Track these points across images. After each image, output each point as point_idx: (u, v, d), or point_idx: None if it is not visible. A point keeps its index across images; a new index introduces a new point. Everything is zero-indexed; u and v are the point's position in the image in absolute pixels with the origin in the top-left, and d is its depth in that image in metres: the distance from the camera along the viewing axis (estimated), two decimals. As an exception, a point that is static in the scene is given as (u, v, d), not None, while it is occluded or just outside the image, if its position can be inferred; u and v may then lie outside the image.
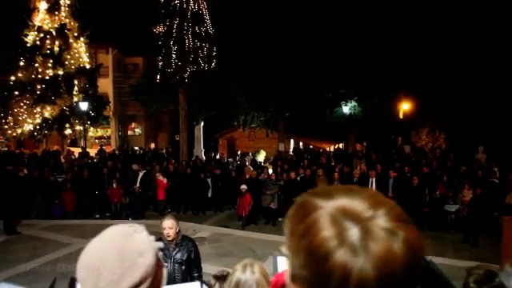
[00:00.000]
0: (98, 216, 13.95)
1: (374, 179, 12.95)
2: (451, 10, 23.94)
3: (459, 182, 12.85)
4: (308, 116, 21.53)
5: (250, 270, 2.24)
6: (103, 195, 14.11)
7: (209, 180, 14.72)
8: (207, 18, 16.39)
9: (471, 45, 24.86)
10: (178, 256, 4.61)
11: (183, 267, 4.65)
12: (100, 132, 30.17)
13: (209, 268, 8.20)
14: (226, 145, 34.65)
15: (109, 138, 32.12)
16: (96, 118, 21.98)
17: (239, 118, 20.15)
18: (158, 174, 13.94)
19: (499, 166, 15.09)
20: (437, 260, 8.52)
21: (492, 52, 24.21)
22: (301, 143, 36.32)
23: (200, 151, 20.19)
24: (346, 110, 21.02)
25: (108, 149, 24.85)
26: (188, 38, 15.80)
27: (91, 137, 25.51)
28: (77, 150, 21.35)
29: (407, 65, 22.44)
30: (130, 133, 35.51)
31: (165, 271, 1.21)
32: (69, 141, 23.62)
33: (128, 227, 1.17)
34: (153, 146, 31.30)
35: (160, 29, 16.15)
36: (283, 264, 2.10)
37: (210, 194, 14.75)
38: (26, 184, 12.29)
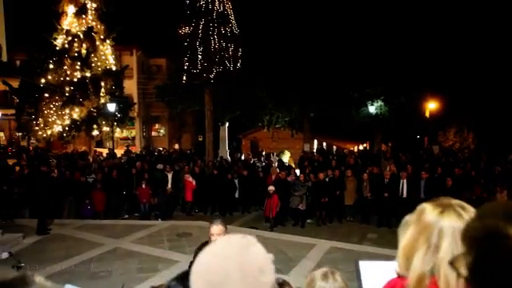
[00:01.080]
0: (126, 216, 14.09)
1: (405, 180, 12.65)
2: (481, 6, 23.31)
3: (494, 183, 12.43)
4: (333, 116, 21.28)
5: (331, 278, 2.17)
6: (132, 195, 14.25)
7: (236, 181, 14.68)
8: (232, 18, 16.38)
9: (500, 42, 24.15)
10: None
11: None
12: (125, 133, 30.66)
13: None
14: (249, 145, 34.67)
15: (133, 138, 32.60)
16: (122, 119, 22.30)
17: (264, 118, 20.07)
18: (187, 175, 13.98)
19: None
20: None
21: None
22: (324, 143, 36.06)
23: (225, 152, 20.20)
24: (372, 109, 20.67)
25: (133, 149, 25.20)
26: (214, 39, 15.82)
27: (117, 138, 25.86)
28: (103, 151, 21.74)
29: (434, 63, 21.97)
30: (153, 133, 35.97)
31: None
32: (95, 142, 24.08)
33: (241, 238, 1.09)
34: (177, 146, 31.61)
35: (186, 30, 16.22)
36: (367, 268, 2.00)
37: (237, 195, 14.71)
38: (58, 185, 12.52)
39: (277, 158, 19.70)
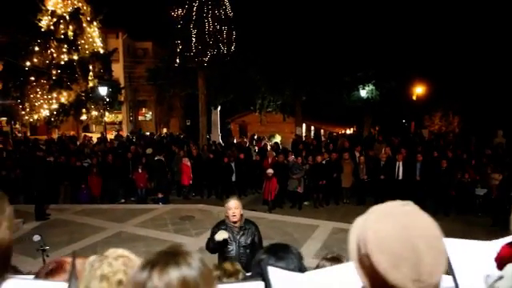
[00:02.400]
0: (123, 201, 13.99)
1: (400, 163, 12.91)
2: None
3: (485, 165, 12.81)
4: (324, 100, 21.39)
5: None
6: (127, 180, 14.14)
7: (232, 164, 14.71)
8: (226, 1, 16.14)
9: (486, 26, 24.52)
10: (243, 239, 4.55)
11: (248, 251, 4.59)
12: (111, 117, 30.22)
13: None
14: (238, 129, 34.67)
15: (120, 123, 32.13)
16: (112, 103, 21.91)
17: (256, 101, 20.04)
18: (185, 159, 13.92)
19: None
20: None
21: (507, 35, 23.84)
22: (312, 127, 36.35)
23: (217, 136, 20.14)
24: (363, 93, 20.87)
25: (122, 133, 24.84)
26: (208, 21, 15.59)
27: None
28: (92, 136, 21.40)
29: (422, 48, 22.15)
30: (140, 118, 35.53)
31: None
32: (82, 127, 23.63)
33: (409, 206, 1.07)
34: (165, 130, 31.39)
35: (178, 12, 15.91)
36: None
37: (233, 179, 14.75)
38: (54, 169, 12.31)
39: (269, 142, 19.77)
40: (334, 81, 20.08)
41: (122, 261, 1.79)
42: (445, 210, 12.28)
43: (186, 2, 15.75)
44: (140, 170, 13.63)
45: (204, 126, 17.82)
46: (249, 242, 4.57)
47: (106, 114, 22.84)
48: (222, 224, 4.67)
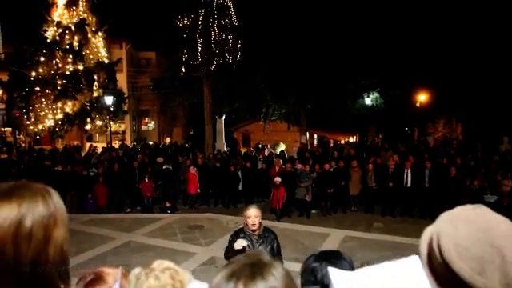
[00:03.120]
0: (129, 210, 13.91)
1: (409, 170, 12.83)
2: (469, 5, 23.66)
3: (494, 172, 12.74)
4: (328, 108, 21.39)
5: None
6: (133, 189, 14.08)
7: (239, 173, 14.64)
8: (232, 10, 16.22)
9: (488, 34, 24.59)
10: (262, 248, 4.39)
11: None
12: (114, 127, 30.27)
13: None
14: (241, 138, 34.69)
15: (123, 132, 32.14)
16: (116, 112, 21.94)
17: (261, 110, 20.03)
18: (191, 168, 13.86)
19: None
20: None
21: (509, 43, 23.90)
22: (315, 135, 36.34)
23: (222, 144, 20.09)
24: (368, 101, 20.86)
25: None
26: (214, 31, 15.65)
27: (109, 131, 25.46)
28: (98, 145, 21.37)
29: (425, 54, 22.18)
30: (143, 127, 35.56)
31: None
32: (86, 136, 23.65)
33: (487, 211, 1.02)
34: (168, 140, 31.38)
35: (184, 21, 15.99)
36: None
37: (240, 187, 14.67)
38: (61, 179, 12.26)
39: (273, 151, 19.73)
40: (339, 88, 20.10)
41: (168, 274, 1.73)
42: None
43: (192, 12, 15.83)
44: (146, 180, 13.56)
45: (209, 135, 17.80)
46: (268, 250, 4.47)
47: (111, 123, 22.83)
48: (240, 232, 4.58)
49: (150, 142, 25.89)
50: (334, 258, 1.95)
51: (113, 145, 21.36)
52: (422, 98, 28.24)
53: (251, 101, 18.14)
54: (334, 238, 9.60)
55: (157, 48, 32.28)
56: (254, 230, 4.44)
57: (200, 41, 15.60)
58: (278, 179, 12.89)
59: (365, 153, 16.99)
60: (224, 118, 20.78)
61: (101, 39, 22.94)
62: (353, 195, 13.64)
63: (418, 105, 27.46)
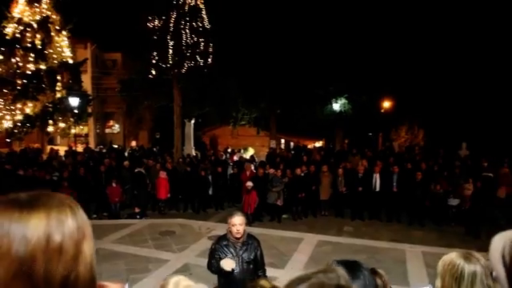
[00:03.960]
0: (95, 216, 13.40)
1: (377, 175, 13.16)
2: (430, 10, 24.69)
3: (457, 177, 13.30)
4: (298, 113, 21.64)
5: (474, 259, 2.07)
6: (99, 194, 13.60)
7: (209, 177, 14.49)
8: (204, 13, 16.09)
9: (450, 42, 25.70)
10: (246, 255, 4.36)
11: (251, 266, 4.43)
12: (77, 129, 29.24)
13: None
14: (209, 142, 34.40)
15: (86, 135, 31.08)
16: (81, 114, 21.17)
17: (232, 115, 19.96)
18: (161, 172, 13.56)
19: (488, 161, 15.73)
20: (438, 250, 8.80)
21: (469, 50, 25.09)
22: (282, 140, 36.63)
23: (191, 149, 19.82)
24: (336, 107, 21.28)
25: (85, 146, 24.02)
26: (185, 33, 15.45)
27: (72, 134, 24.55)
28: (60, 148, 20.50)
29: (389, 62, 22.86)
30: (107, 130, 34.55)
31: None
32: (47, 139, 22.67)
33: None
34: (134, 143, 30.64)
35: (155, 23, 15.69)
36: None
37: (210, 192, 14.52)
38: (23, 183, 11.66)
39: (243, 155, 19.69)
40: (309, 94, 20.38)
41: None
42: (419, 221, 12.62)
43: (163, 13, 15.55)
44: (114, 184, 13.14)
45: (178, 139, 17.50)
46: (252, 257, 4.41)
47: (74, 126, 22.02)
48: (223, 239, 4.48)
49: (115, 146, 25.20)
50: (355, 268, 1.90)
51: (75, 148, 20.58)
52: (386, 104, 29.16)
53: (222, 105, 18.01)
54: (307, 243, 9.66)
55: (123, 49, 31.54)
56: (238, 238, 4.36)
57: (171, 43, 15.35)
58: (249, 184, 12.86)
59: (333, 158, 17.27)
60: (193, 121, 20.53)
61: (65, 38, 22.11)
62: (323, 199, 13.81)
63: (382, 111, 28.29)
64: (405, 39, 23.76)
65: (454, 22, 24.36)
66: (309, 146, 30.64)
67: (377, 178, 13.16)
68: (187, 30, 15.43)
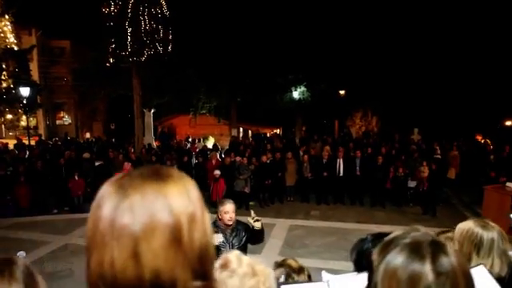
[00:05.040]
0: (56, 211, 12.83)
1: (341, 160, 13.60)
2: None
3: (414, 160, 14.08)
4: (259, 101, 21.76)
5: (490, 227, 2.22)
6: (59, 188, 13.03)
7: (175, 167, 14.28)
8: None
9: (399, 32, 26.77)
10: (236, 241, 4.42)
11: (242, 253, 4.51)
12: (25, 121, 27.59)
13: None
14: (166, 132, 33.74)
15: (35, 127, 29.39)
16: (32, 105, 19.94)
17: (192, 103, 19.68)
18: (125, 164, 13.15)
19: (439, 144, 16.78)
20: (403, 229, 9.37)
21: (418, 39, 26.30)
22: (241, 129, 36.72)
23: (151, 139, 19.36)
24: (295, 94, 21.62)
25: (34, 139, 22.80)
26: (144, 20, 14.94)
27: (22, 126, 23.11)
28: (9, 142, 19.27)
29: (343, 51, 23.43)
30: (58, 122, 32.87)
31: None
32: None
33: None
34: (88, 135, 29.45)
35: (111, 9, 15.02)
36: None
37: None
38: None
39: (206, 144, 19.60)
40: (268, 82, 20.52)
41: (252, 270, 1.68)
42: (381, 203, 13.26)
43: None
44: (76, 177, 12.63)
45: (139, 129, 17.02)
46: (243, 242, 4.48)
47: (24, 117, 20.74)
48: (212, 226, 4.51)
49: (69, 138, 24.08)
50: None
51: (24, 141, 19.44)
52: (342, 92, 30.02)
53: (182, 94, 17.68)
54: (280, 227, 9.87)
55: (72, 36, 29.95)
56: (228, 225, 4.40)
57: (129, 30, 14.80)
58: (217, 172, 12.87)
59: (295, 145, 17.63)
60: (153, 111, 20.03)
61: (8, 23, 20.62)
62: (289, 186, 14.10)
63: (338, 98, 29.11)
64: (358, 28, 24.48)
65: (403, 11, 25.39)
66: (268, 134, 31.05)
67: (340, 163, 13.61)
68: (146, 17, 14.94)
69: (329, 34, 21.53)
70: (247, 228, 4.69)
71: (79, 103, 28.34)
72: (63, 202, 13.13)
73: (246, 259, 1.72)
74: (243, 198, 13.48)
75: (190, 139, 20.82)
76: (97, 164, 12.57)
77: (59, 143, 18.75)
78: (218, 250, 4.32)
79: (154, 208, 0.73)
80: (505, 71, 24.86)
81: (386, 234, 2.26)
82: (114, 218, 0.72)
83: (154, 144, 19.33)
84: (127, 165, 13.16)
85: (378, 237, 2.11)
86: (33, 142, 19.30)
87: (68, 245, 8.84)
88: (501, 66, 25.00)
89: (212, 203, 13.12)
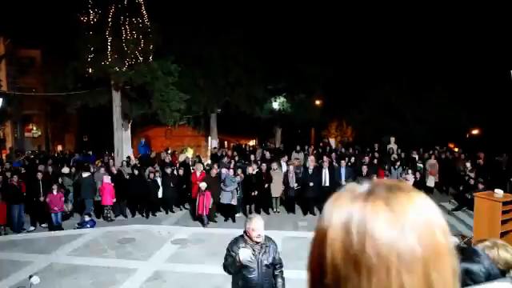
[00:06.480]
0: (32, 228, 12.22)
1: (326, 170, 13.67)
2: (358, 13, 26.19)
3: (397, 167, 14.37)
4: (238, 112, 21.65)
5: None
6: (36, 204, 12.43)
7: (158, 180, 13.95)
8: (143, 9, 15.32)
9: (373, 45, 27.46)
10: (265, 258, 4.30)
11: (270, 270, 4.38)
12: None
13: (208, 269, 7.92)
14: (138, 145, 33.00)
15: (3, 140, 28.05)
16: (1, 117, 19.02)
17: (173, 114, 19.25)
18: (105, 177, 12.72)
19: (418, 153, 17.20)
20: None
21: (391, 50, 27.02)
22: (214, 140, 36.43)
23: (129, 151, 18.80)
24: (275, 105, 21.69)
25: (4, 152, 21.76)
26: (125, 29, 14.60)
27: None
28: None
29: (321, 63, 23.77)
30: (27, 134, 31.50)
31: None
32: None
33: None
34: (60, 148, 28.44)
35: (90, 18, 14.59)
36: None
37: (160, 195, 13.98)
38: None
39: (189, 156, 19.28)
40: (247, 93, 20.48)
41: None
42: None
43: (99, 7, 14.48)
44: (55, 192, 12.06)
45: (119, 141, 16.52)
46: (270, 260, 4.34)
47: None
48: (240, 241, 4.36)
49: (36, 151, 23.10)
50: (472, 253, 1.98)
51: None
52: (318, 102, 30.41)
53: (165, 104, 17.27)
54: (274, 240, 9.72)
55: (43, 45, 28.87)
56: (257, 242, 4.27)
57: (109, 39, 14.40)
58: (203, 184, 12.63)
59: (278, 155, 17.58)
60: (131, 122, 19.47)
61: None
62: (275, 196, 14.03)
63: (315, 109, 29.43)
64: (335, 40, 24.94)
65: (376, 24, 26.08)
66: (243, 146, 30.92)
67: (326, 173, 13.68)
68: (127, 26, 14.61)
69: (306, 44, 21.81)
70: (276, 248, 4.53)
71: (51, 115, 27.29)
72: (40, 219, 12.54)
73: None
74: (230, 210, 13.31)
75: (170, 151, 20.36)
76: (84, 176, 12.06)
77: (32, 157, 17.93)
78: (246, 267, 4.17)
79: (432, 228, 0.61)
80: (471, 83, 25.97)
81: (467, 249, 2.23)
82: (394, 240, 0.58)
83: (132, 156, 18.81)
84: (107, 178, 12.77)
85: (459, 251, 2.07)
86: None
87: (53, 264, 8.38)
88: (467, 78, 26.10)
89: (198, 217, 12.91)
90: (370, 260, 0.57)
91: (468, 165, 15.19)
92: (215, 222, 13.00)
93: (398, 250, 0.57)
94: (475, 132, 33.72)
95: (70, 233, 10.83)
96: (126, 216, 13.52)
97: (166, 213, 14.12)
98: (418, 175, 13.25)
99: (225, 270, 4.38)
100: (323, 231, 0.64)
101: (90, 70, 14.83)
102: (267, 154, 16.74)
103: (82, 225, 11.61)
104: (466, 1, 24.06)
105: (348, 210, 0.62)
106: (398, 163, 14.46)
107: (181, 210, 14.54)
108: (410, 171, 13.28)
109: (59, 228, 11.99)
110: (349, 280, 0.58)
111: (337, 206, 0.65)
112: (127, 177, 13.78)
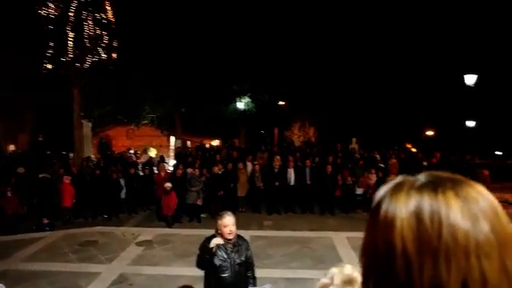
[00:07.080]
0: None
1: (292, 170, 13.85)
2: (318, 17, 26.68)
3: (360, 168, 14.78)
4: (203, 112, 21.51)
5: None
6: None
7: (121, 180, 13.59)
8: (108, 4, 14.82)
9: (337, 47, 28.10)
10: (237, 257, 4.30)
11: (243, 268, 4.39)
12: None
13: (175, 270, 7.84)
14: (98, 144, 31.98)
15: None
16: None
17: (137, 113, 18.86)
18: (65, 177, 12.23)
19: (379, 153, 17.77)
20: (357, 235, 9.79)
21: (354, 54, 27.77)
22: (179, 140, 35.94)
23: (89, 151, 18.21)
24: (240, 105, 21.71)
25: None
26: (87, 25, 14.07)
27: None
28: None
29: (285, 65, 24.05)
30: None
31: None
32: None
33: None
34: (12, 147, 27.02)
35: (50, 12, 13.94)
36: None
37: (123, 196, 13.63)
38: None
39: (153, 156, 18.93)
40: (213, 93, 20.39)
41: None
42: (330, 210, 13.69)
43: (59, 1, 13.88)
44: (9, 194, 11.46)
45: (80, 140, 15.91)
46: (243, 258, 4.34)
47: None
48: (211, 238, 4.36)
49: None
50: None
51: None
52: (282, 103, 30.75)
53: (126, 104, 16.87)
54: (241, 239, 9.73)
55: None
56: (229, 239, 4.27)
57: (71, 35, 13.83)
58: (168, 185, 12.47)
59: (242, 155, 17.60)
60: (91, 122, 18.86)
61: None
62: (240, 196, 14.05)
63: (279, 109, 29.75)
64: (299, 43, 25.29)
65: (337, 27, 26.68)
66: (207, 145, 30.70)
67: (291, 173, 13.86)
68: (89, 22, 14.10)
69: (272, 46, 21.96)
70: (248, 247, 4.53)
71: (2, 113, 25.85)
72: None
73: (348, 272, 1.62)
74: (194, 210, 13.19)
75: (132, 151, 19.89)
76: (41, 176, 11.52)
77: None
78: (219, 266, 4.16)
79: (500, 217, 0.63)
80: (427, 87, 27.23)
81: None
82: (470, 227, 0.60)
83: (93, 156, 18.24)
84: (67, 178, 12.32)
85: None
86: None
87: (8, 271, 7.94)
88: (422, 83, 27.34)
89: (160, 217, 12.69)
90: (448, 247, 0.59)
91: (425, 164, 15.90)
92: (180, 222, 12.83)
93: (475, 237, 0.60)
94: (430, 133, 35.48)
95: (27, 237, 10.31)
96: (86, 218, 13.05)
97: (130, 214, 13.79)
98: (379, 174, 13.67)
99: (197, 266, 4.37)
100: (388, 221, 0.65)
101: (49, 67, 14.20)
102: (234, 154, 16.71)
103: (39, 227, 11.09)
104: (424, 8, 25.11)
105: (416, 199, 0.64)
106: (361, 162, 14.85)
107: (144, 211, 14.23)
108: (372, 170, 13.69)
109: (15, 231, 11.40)
110: (424, 266, 0.60)
111: (401, 196, 0.66)
112: (88, 177, 13.34)
